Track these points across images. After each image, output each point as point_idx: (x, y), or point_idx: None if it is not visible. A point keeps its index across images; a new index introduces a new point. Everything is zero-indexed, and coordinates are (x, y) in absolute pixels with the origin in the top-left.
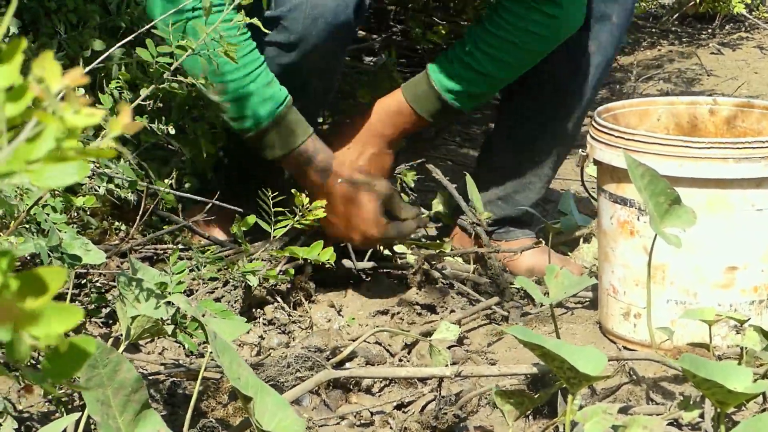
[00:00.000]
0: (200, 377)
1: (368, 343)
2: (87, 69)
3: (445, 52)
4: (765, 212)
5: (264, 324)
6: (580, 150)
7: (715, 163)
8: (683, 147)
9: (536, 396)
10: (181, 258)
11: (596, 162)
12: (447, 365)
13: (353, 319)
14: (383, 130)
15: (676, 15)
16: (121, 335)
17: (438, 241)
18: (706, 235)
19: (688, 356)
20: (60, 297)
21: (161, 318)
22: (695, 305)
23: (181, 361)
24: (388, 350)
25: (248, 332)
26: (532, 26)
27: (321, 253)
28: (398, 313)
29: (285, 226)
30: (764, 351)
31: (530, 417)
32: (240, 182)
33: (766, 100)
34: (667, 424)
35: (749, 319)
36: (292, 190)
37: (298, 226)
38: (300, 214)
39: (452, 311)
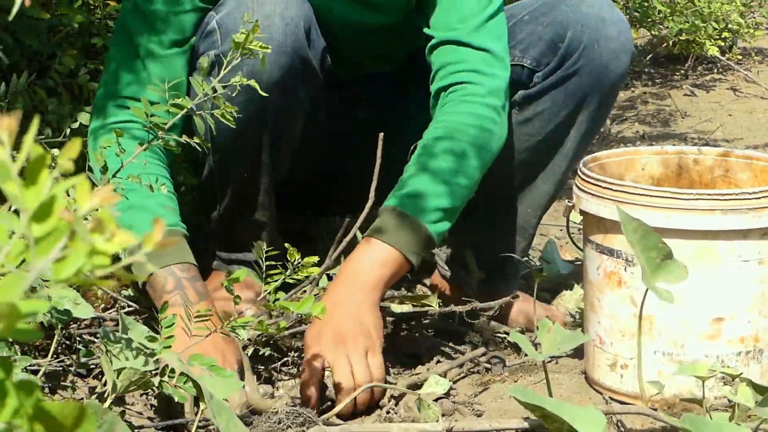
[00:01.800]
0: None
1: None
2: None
3: (401, 182)
4: (751, 263)
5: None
6: (566, 200)
7: (702, 214)
8: (671, 198)
9: None
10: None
11: (582, 212)
12: (438, 420)
13: None
14: (374, 292)
15: (650, 56)
16: (107, 389)
17: (423, 293)
18: (693, 287)
19: (690, 417)
20: (44, 350)
21: (149, 371)
22: (683, 356)
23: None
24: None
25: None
26: (482, 122)
27: (312, 307)
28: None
29: (276, 281)
30: (758, 407)
31: None
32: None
33: (743, 145)
34: None
35: (741, 373)
36: (285, 245)
37: (290, 281)
38: (292, 268)
39: (438, 362)
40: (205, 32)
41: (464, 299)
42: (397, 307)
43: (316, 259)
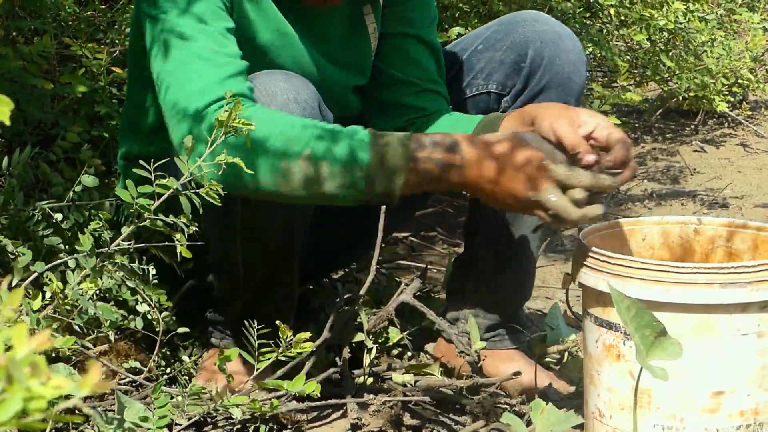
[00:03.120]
0: None
1: None
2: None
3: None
4: (750, 337)
5: None
6: (565, 272)
7: (700, 288)
8: (669, 272)
9: None
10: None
11: (581, 285)
12: None
13: None
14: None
15: (660, 111)
16: None
17: (425, 362)
18: (692, 360)
19: None
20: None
21: None
22: (682, 430)
23: None
24: None
25: None
26: None
27: (306, 386)
28: None
29: (269, 359)
30: None
31: None
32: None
33: (752, 203)
34: None
35: None
36: (277, 322)
37: (283, 358)
38: (285, 346)
39: None
40: None
41: (464, 373)
42: (398, 377)
43: (308, 335)
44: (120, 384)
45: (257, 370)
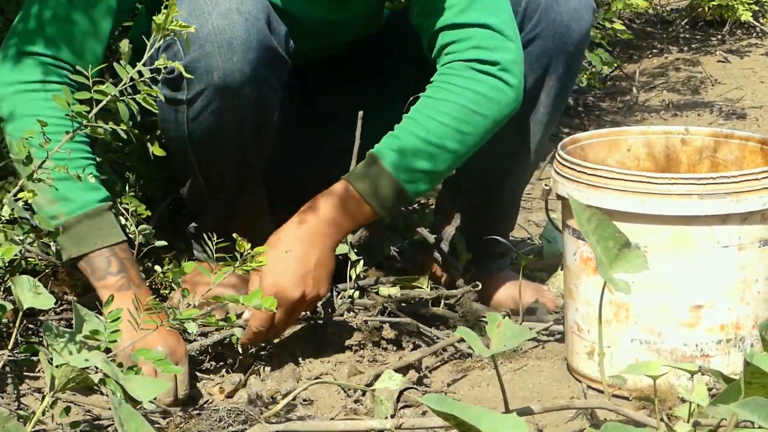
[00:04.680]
0: None
1: (328, 382)
2: None
3: (390, 134)
4: (731, 249)
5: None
6: (543, 184)
7: (678, 199)
8: (646, 183)
9: None
10: None
11: (559, 197)
12: (388, 417)
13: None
14: (330, 230)
15: (686, 20)
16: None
17: (414, 276)
18: (670, 273)
19: (612, 425)
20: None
21: (93, 367)
22: (660, 345)
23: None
24: (345, 391)
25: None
26: (480, 87)
27: (263, 300)
28: (361, 349)
29: (225, 273)
30: (711, 406)
31: None
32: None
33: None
34: None
35: (699, 370)
36: (234, 235)
37: (239, 272)
38: (242, 260)
39: (417, 346)
40: (165, 44)
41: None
42: (385, 290)
43: (266, 248)
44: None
45: (213, 283)
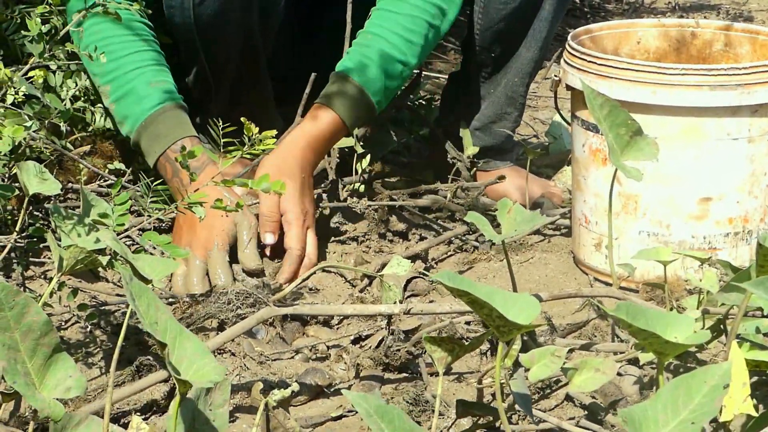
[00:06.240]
0: (129, 312)
1: (330, 272)
2: None
3: (350, 51)
4: (741, 141)
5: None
6: (553, 74)
7: (689, 90)
8: (657, 73)
9: (467, 344)
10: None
11: (569, 87)
12: (396, 302)
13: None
14: (312, 156)
15: None
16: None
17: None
18: (679, 165)
19: (625, 305)
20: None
21: (104, 248)
22: (668, 237)
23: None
24: (350, 282)
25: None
26: None
27: (272, 184)
28: (367, 240)
29: (234, 157)
30: (721, 293)
31: (488, 354)
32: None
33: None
34: (627, 363)
35: (709, 258)
36: (242, 119)
37: (247, 156)
38: (250, 144)
39: (423, 238)
40: None
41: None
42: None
43: (274, 132)
44: (101, 186)
45: (221, 167)
